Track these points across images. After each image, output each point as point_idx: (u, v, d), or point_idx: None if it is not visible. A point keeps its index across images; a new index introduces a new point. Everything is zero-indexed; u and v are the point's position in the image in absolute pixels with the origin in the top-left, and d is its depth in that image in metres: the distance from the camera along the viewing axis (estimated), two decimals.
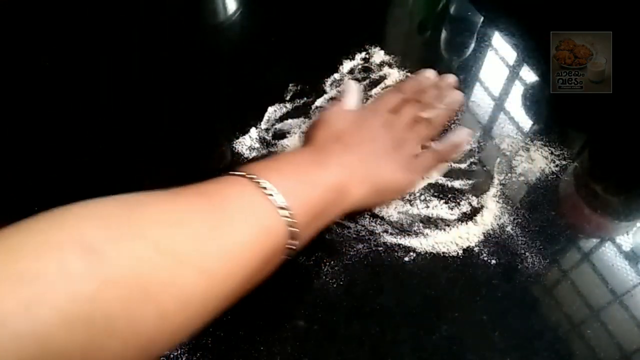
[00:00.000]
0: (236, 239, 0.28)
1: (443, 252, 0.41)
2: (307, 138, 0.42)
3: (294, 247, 0.33)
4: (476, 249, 0.42)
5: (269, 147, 0.49)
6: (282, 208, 0.31)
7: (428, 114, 0.45)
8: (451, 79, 0.50)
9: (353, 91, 0.47)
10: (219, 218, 0.28)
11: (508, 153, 0.49)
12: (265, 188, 0.31)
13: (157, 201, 0.27)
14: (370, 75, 0.57)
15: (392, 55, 0.59)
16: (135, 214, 0.25)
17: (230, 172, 0.33)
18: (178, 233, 0.25)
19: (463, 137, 0.47)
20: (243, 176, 0.32)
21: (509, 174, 0.47)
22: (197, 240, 0.26)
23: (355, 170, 0.38)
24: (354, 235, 0.42)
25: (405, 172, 0.42)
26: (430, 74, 0.50)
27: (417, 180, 0.44)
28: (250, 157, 0.48)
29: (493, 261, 0.41)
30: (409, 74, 0.57)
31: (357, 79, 0.56)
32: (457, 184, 0.47)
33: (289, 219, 0.31)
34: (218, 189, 0.31)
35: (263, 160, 0.37)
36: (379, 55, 0.59)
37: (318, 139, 0.40)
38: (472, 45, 0.62)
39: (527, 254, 0.41)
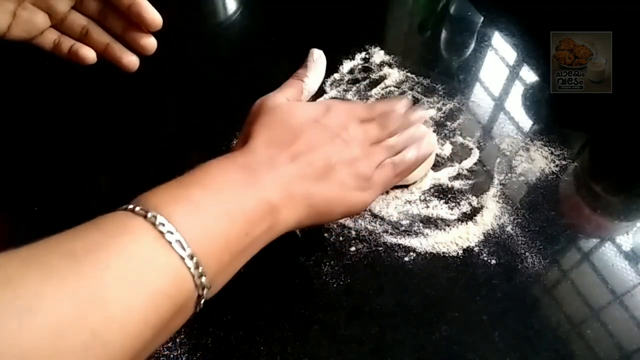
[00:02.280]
0: (115, 316, 0.21)
1: (443, 252, 0.41)
2: (248, 132, 0.33)
3: (205, 298, 0.26)
4: (476, 249, 0.42)
5: None
6: (187, 257, 0.24)
7: (394, 140, 0.39)
8: (424, 116, 0.43)
9: (318, 66, 0.40)
10: (91, 293, 0.21)
11: (508, 153, 0.49)
12: (164, 232, 0.24)
13: (13, 279, 0.20)
14: (370, 75, 0.57)
15: (392, 55, 0.59)
16: None
17: (126, 207, 0.25)
18: (31, 323, 0.19)
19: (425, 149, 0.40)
20: (138, 213, 0.24)
21: (509, 174, 0.47)
22: (54, 332, 0.20)
23: (293, 189, 0.31)
24: (354, 235, 0.42)
25: (358, 191, 0.35)
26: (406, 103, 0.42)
27: (372, 198, 0.36)
28: None
29: (493, 261, 0.41)
30: (409, 74, 0.57)
31: (356, 79, 0.57)
32: (457, 184, 0.47)
33: (197, 271, 0.24)
34: (96, 241, 0.23)
35: (177, 179, 0.28)
36: (379, 55, 0.59)
37: (260, 139, 0.32)
38: (472, 45, 0.62)
39: (527, 254, 0.41)
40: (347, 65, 0.58)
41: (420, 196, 0.45)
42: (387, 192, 0.46)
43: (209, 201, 0.27)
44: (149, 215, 0.24)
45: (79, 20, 0.39)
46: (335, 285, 0.39)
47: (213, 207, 0.27)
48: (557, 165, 0.48)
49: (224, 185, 0.29)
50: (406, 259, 0.41)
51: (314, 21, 0.66)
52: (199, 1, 0.70)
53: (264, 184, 0.30)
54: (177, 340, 0.36)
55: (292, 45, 0.62)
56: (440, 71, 0.58)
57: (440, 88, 0.55)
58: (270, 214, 0.30)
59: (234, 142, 0.50)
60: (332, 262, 0.41)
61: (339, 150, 0.34)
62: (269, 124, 0.34)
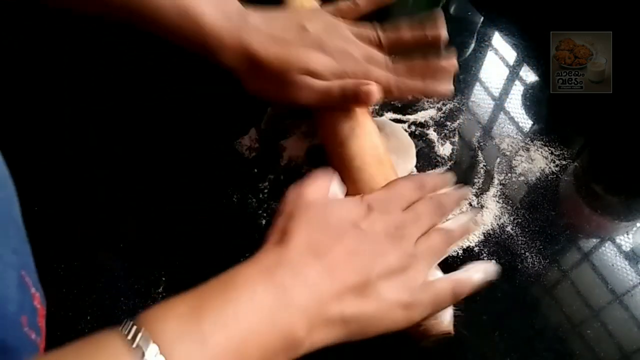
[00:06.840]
0: None
1: None
2: (285, 229, 0.30)
3: None
4: (476, 249, 0.42)
5: (269, 147, 0.49)
6: None
7: (452, 225, 0.35)
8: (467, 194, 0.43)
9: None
10: None
11: (508, 153, 0.49)
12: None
13: None
14: None
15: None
16: None
17: (126, 328, 0.23)
18: None
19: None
20: (135, 348, 0.22)
21: (509, 174, 0.47)
22: None
23: (327, 310, 0.28)
24: None
25: (400, 309, 0.30)
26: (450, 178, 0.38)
27: (419, 315, 0.31)
28: (250, 157, 0.48)
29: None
30: None
31: None
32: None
33: None
34: None
35: (195, 292, 0.26)
36: None
37: (297, 240, 0.29)
38: (472, 45, 0.62)
39: (527, 254, 0.41)
40: None
41: None
42: None
43: (221, 338, 0.24)
44: (147, 350, 0.22)
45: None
46: None
47: (224, 344, 0.24)
48: (557, 165, 0.48)
49: (247, 313, 0.25)
50: None
51: None
52: None
53: (293, 310, 0.26)
54: None
55: None
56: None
57: None
58: (292, 348, 0.27)
59: (234, 141, 0.50)
60: None
61: (380, 261, 0.30)
62: (308, 223, 0.31)
